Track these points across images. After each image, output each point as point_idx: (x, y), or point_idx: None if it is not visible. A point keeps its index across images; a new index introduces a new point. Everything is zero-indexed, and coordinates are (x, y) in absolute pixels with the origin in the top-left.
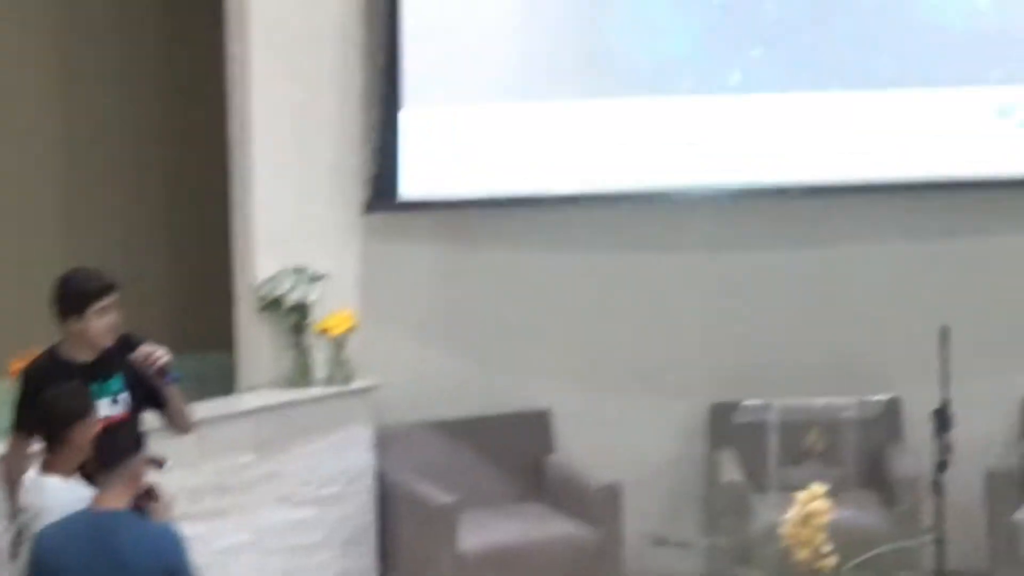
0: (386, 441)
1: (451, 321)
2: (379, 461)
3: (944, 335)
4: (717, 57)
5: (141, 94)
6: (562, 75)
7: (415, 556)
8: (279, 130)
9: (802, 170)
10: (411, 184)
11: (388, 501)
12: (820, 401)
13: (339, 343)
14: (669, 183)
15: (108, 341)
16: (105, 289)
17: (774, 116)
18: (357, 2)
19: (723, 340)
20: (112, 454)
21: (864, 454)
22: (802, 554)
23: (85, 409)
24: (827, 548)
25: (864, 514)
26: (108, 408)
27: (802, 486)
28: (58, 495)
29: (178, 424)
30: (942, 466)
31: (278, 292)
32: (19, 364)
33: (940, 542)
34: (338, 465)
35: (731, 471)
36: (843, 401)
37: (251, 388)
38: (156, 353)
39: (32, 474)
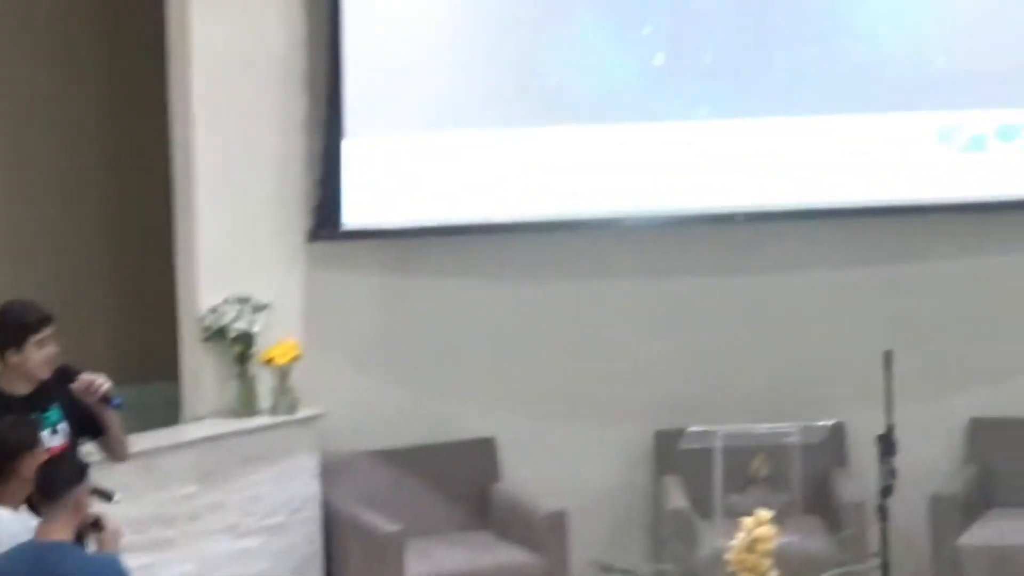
0: (331, 470)
1: (396, 349)
2: (324, 490)
3: (888, 360)
4: (657, 85)
5: (82, 122)
6: (503, 104)
7: None
8: (222, 159)
9: (743, 196)
10: (354, 213)
11: (334, 530)
12: (764, 427)
13: (284, 372)
14: (611, 210)
15: (46, 373)
16: (43, 321)
17: (714, 143)
18: (299, 32)
19: (668, 367)
20: (54, 485)
21: (809, 479)
22: None
23: (33, 441)
24: (773, 574)
25: (810, 539)
26: (48, 439)
27: (748, 512)
28: (7, 527)
29: (116, 452)
30: (887, 491)
31: (222, 322)
32: None
33: (885, 567)
34: (283, 495)
35: (676, 498)
36: (787, 427)
37: (196, 418)
38: (97, 381)
39: None
